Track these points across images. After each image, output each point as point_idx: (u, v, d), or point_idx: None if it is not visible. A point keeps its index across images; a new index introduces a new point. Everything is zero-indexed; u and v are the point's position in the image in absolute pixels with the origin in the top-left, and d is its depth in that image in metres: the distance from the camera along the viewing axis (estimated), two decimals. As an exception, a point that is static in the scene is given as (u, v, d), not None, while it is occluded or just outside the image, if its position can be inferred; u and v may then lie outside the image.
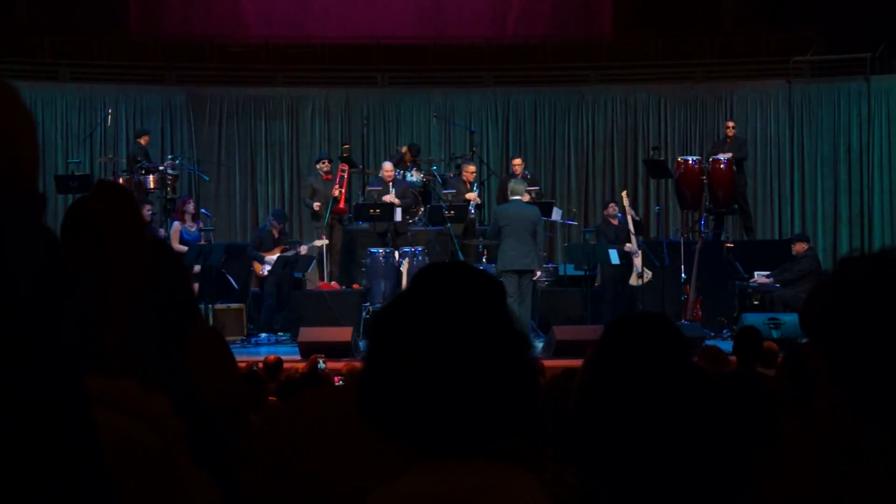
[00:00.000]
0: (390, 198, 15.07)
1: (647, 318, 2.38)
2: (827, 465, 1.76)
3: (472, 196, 15.69)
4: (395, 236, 15.02)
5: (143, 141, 16.13)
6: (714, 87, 18.89)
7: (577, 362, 2.55)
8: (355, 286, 15.35)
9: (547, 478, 1.66)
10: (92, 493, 1.23)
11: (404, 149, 16.94)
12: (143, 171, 15.21)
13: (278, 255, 14.93)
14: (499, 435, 1.65)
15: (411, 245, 14.78)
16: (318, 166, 15.98)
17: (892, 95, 18.03)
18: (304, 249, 15.23)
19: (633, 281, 14.85)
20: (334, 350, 11.91)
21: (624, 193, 15.85)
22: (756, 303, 14.81)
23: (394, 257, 14.39)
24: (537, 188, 16.05)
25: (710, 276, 14.79)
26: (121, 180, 14.72)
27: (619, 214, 15.33)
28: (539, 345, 13.06)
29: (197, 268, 14.27)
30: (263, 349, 13.67)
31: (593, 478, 2.05)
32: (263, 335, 14.72)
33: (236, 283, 15.31)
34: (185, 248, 14.36)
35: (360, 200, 15.74)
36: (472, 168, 16.04)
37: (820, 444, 1.80)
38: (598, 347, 2.24)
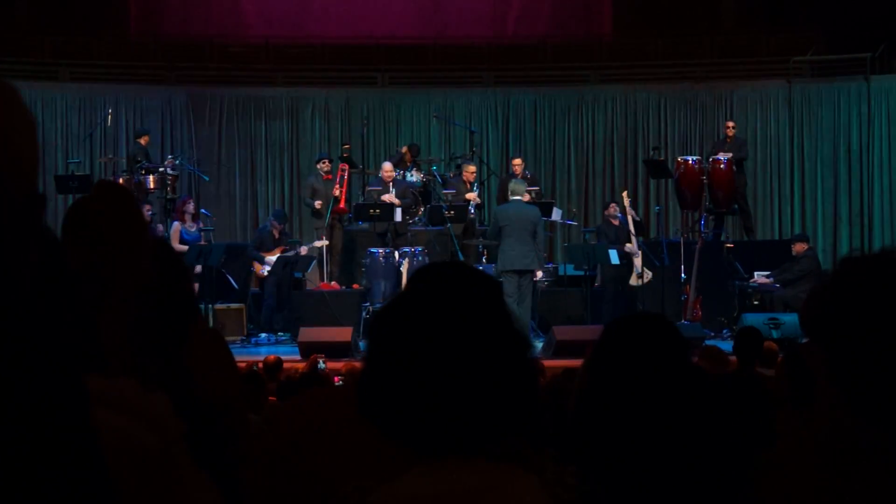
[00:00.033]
0: (389, 197, 15.07)
1: (646, 318, 2.38)
2: (827, 465, 1.76)
3: (472, 196, 15.69)
4: (395, 236, 15.02)
5: (143, 141, 16.13)
6: (714, 87, 18.89)
7: (577, 362, 2.55)
8: (355, 286, 15.35)
9: (547, 478, 1.66)
10: (92, 493, 1.23)
11: (404, 149, 16.94)
12: (143, 172, 15.21)
13: (278, 255, 14.93)
14: (499, 435, 1.65)
15: (411, 245, 14.78)
16: (318, 166, 15.98)
17: (892, 95, 18.03)
18: (304, 250, 15.24)
19: (634, 281, 14.85)
20: (334, 350, 11.91)
21: (624, 193, 15.85)
22: (756, 303, 14.81)
23: (394, 257, 14.39)
24: (537, 188, 16.05)
25: (710, 276, 14.79)
26: (121, 180, 14.72)
27: (619, 215, 15.34)
28: (539, 345, 13.06)
29: (198, 268, 14.28)
30: (263, 349, 13.67)
31: (593, 478, 2.05)
32: (263, 335, 14.72)
33: (236, 283, 15.31)
34: (185, 248, 14.37)
35: (360, 200, 15.74)
36: (472, 168, 16.04)
37: (820, 444, 1.80)
38: (598, 347, 2.24)
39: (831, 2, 18.57)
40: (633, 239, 14.93)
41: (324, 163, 15.90)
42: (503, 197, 15.00)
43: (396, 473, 1.65)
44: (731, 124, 16.74)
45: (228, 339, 14.03)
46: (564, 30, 19.79)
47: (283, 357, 9.87)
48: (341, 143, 17.60)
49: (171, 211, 15.26)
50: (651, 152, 17.14)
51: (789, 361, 4.40)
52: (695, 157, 16.35)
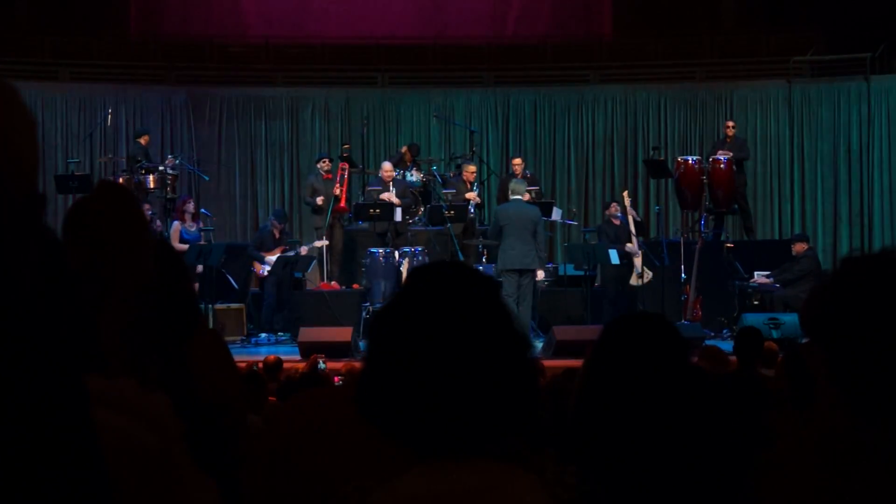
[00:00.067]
0: (389, 195, 15.08)
1: (645, 318, 2.38)
2: (827, 465, 1.76)
3: (472, 196, 15.69)
4: (395, 236, 15.02)
5: (142, 141, 16.13)
6: (714, 87, 18.89)
7: (577, 362, 2.55)
8: (355, 286, 15.35)
9: (547, 478, 1.66)
10: (92, 493, 1.23)
11: (404, 149, 16.94)
12: (143, 171, 15.21)
13: (279, 255, 14.93)
14: (499, 435, 1.65)
15: (411, 245, 14.78)
16: (318, 165, 15.99)
17: (892, 95, 18.03)
18: (304, 250, 15.24)
19: (634, 281, 14.86)
20: (334, 350, 11.90)
21: (625, 193, 15.86)
22: (756, 303, 14.81)
23: (394, 257, 14.39)
24: (537, 188, 16.05)
25: (710, 276, 14.79)
26: (121, 180, 14.71)
27: (619, 214, 15.35)
28: (539, 345, 13.06)
29: (199, 268, 14.29)
30: (263, 349, 13.66)
31: (593, 478, 2.05)
32: (263, 335, 14.72)
33: (236, 283, 15.31)
34: (185, 247, 14.38)
35: (360, 200, 15.74)
36: (472, 168, 16.04)
37: (820, 444, 1.80)
38: (597, 347, 2.24)
39: (831, 2, 18.57)
40: (634, 239, 14.94)
41: (324, 162, 15.91)
42: (503, 197, 15.01)
43: (396, 473, 1.65)
44: (731, 124, 16.73)
45: (228, 339, 14.10)
46: (564, 30, 19.79)
47: (283, 357, 9.86)
48: (341, 143, 17.60)
49: (171, 211, 15.26)
50: (651, 152, 17.13)
51: (789, 361, 4.40)
52: (695, 157, 16.35)
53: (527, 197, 14.11)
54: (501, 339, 1.66)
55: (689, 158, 16.25)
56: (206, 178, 17.03)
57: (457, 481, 1.61)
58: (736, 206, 16.36)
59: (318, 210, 15.58)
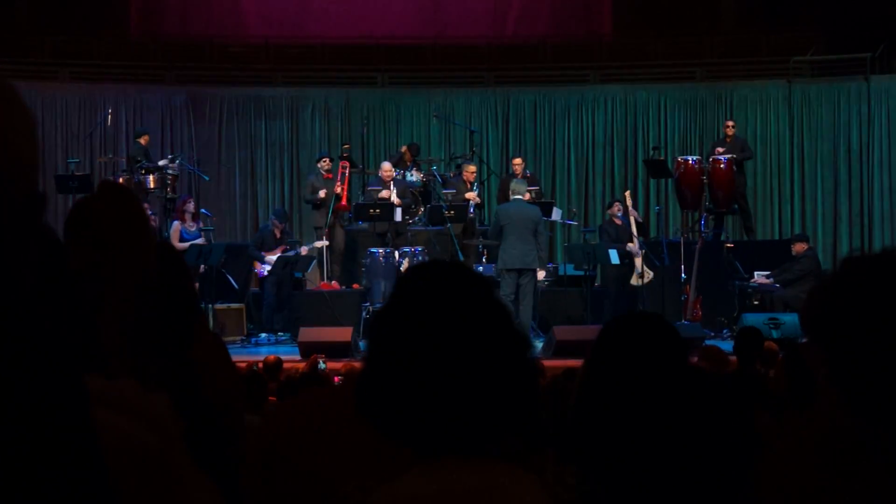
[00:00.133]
0: (388, 193, 15.09)
1: (644, 317, 2.38)
2: (827, 465, 1.76)
3: (472, 196, 15.69)
4: (395, 236, 15.02)
5: (143, 141, 16.14)
6: (714, 87, 18.89)
7: (577, 362, 2.55)
8: (355, 286, 15.35)
9: (547, 478, 1.66)
10: (92, 493, 1.23)
11: (404, 149, 16.95)
12: (143, 171, 15.22)
13: (279, 255, 14.94)
14: (499, 435, 1.65)
15: (411, 245, 14.78)
16: (318, 165, 16.00)
17: (892, 95, 18.03)
18: (304, 250, 15.25)
19: (635, 281, 14.87)
20: (334, 350, 11.91)
21: (627, 193, 15.89)
22: (756, 303, 14.81)
23: (394, 257, 14.39)
24: (537, 188, 16.05)
25: (710, 276, 14.79)
26: (121, 180, 14.72)
27: (619, 214, 15.37)
28: (539, 345, 13.07)
29: (203, 267, 14.29)
30: (263, 349, 13.66)
31: (593, 478, 2.05)
32: (263, 335, 14.72)
33: (236, 283, 15.31)
34: (185, 246, 14.39)
35: (360, 200, 15.74)
36: (472, 168, 16.04)
37: (820, 444, 1.80)
38: (596, 348, 2.24)
39: (831, 2, 18.58)
40: (635, 239, 14.96)
41: (324, 161, 15.91)
42: (503, 196, 15.02)
43: (396, 473, 1.65)
44: (730, 124, 16.74)
45: (228, 339, 14.11)
46: (564, 30, 19.79)
47: (283, 357, 9.86)
48: (341, 143, 17.59)
49: (171, 211, 15.26)
50: (651, 152, 17.14)
51: (789, 361, 4.40)
52: (695, 157, 16.35)
53: (527, 197, 14.13)
54: (501, 338, 1.66)
55: (689, 158, 16.25)
56: (206, 178, 17.03)
57: (457, 481, 1.61)
58: (736, 206, 16.36)
59: (319, 206, 15.57)
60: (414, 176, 16.14)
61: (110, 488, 1.26)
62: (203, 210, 16.07)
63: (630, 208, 15.35)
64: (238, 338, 14.21)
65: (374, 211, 14.84)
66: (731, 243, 15.71)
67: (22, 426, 1.17)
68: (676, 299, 14.79)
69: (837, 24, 18.38)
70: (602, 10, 20.04)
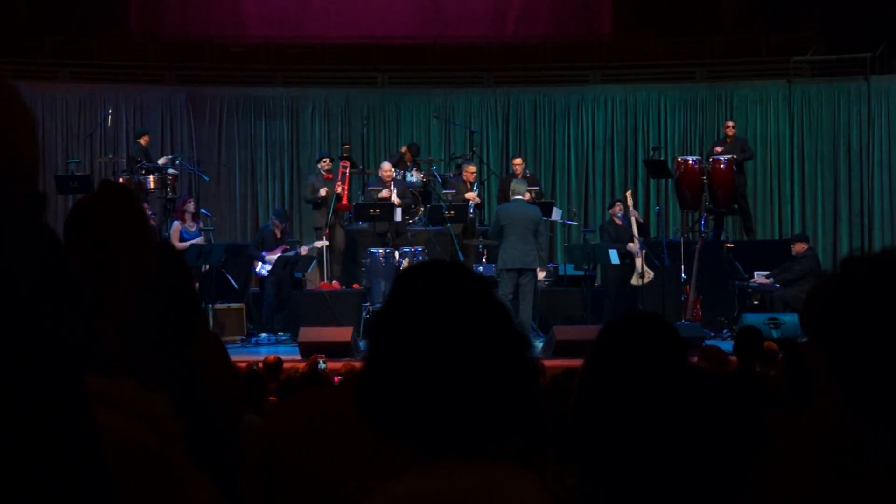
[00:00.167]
0: (388, 193, 15.09)
1: (643, 317, 2.38)
2: (827, 465, 1.76)
3: (472, 196, 15.69)
4: (395, 236, 15.02)
5: (143, 141, 16.14)
6: (714, 87, 18.89)
7: (577, 362, 2.55)
8: (355, 286, 15.35)
9: (547, 478, 1.66)
10: (92, 493, 1.23)
11: (404, 149, 16.95)
12: (143, 172, 15.22)
13: (279, 254, 14.94)
14: (499, 435, 1.65)
15: (411, 245, 14.78)
16: (318, 165, 16.00)
17: (892, 95, 18.03)
18: (304, 250, 15.25)
19: (635, 281, 14.88)
20: (334, 350, 11.91)
21: (628, 193, 15.90)
22: (756, 303, 14.81)
23: (394, 257, 14.39)
24: (537, 188, 16.06)
25: (710, 276, 14.79)
26: (121, 180, 14.72)
27: (620, 214, 15.39)
28: (539, 345, 13.07)
29: (205, 267, 14.29)
30: (263, 349, 13.66)
31: (593, 478, 2.05)
32: (263, 335, 14.72)
33: (236, 283, 15.31)
34: (186, 245, 14.39)
35: (360, 200, 15.74)
36: (472, 168, 16.05)
37: (820, 444, 1.80)
38: (595, 348, 2.24)
39: (831, 2, 18.58)
40: (636, 239, 14.97)
41: (324, 161, 15.92)
42: (504, 197, 15.02)
43: (396, 473, 1.65)
44: (730, 124, 16.74)
45: (228, 339, 14.10)
46: (564, 30, 19.79)
47: (283, 357, 9.87)
48: (341, 143, 17.60)
49: (171, 211, 15.26)
50: (651, 152, 17.14)
51: (789, 361, 4.41)
52: (695, 157, 16.36)
53: (528, 197, 14.14)
54: (501, 338, 1.66)
55: (689, 158, 16.26)
56: (206, 178, 17.03)
57: (457, 481, 1.61)
58: (736, 206, 16.36)
59: (319, 206, 15.57)
60: (414, 176, 16.14)
61: (110, 488, 1.26)
62: (203, 210, 16.07)
63: (631, 209, 15.35)
64: (238, 338, 14.21)
65: (374, 211, 14.85)
66: (731, 243, 15.71)
67: (22, 426, 1.17)
68: (676, 299, 14.79)
69: (837, 24, 18.38)
70: (602, 10, 20.04)
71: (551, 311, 14.79)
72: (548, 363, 9.84)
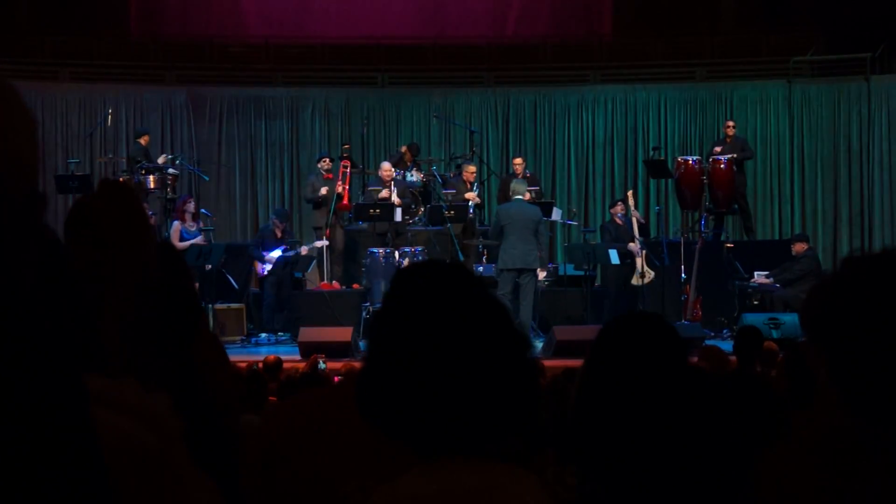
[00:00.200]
0: (388, 193, 15.09)
1: (643, 317, 2.38)
2: (827, 465, 1.76)
3: (472, 196, 15.69)
4: (395, 236, 15.02)
5: (143, 141, 16.14)
6: (714, 87, 18.89)
7: (577, 362, 2.55)
8: (355, 286, 15.36)
9: (547, 478, 1.66)
10: (92, 493, 1.23)
11: (404, 149, 16.95)
12: (144, 172, 15.22)
13: (279, 254, 14.95)
14: (499, 435, 1.65)
15: (411, 245, 14.78)
16: (318, 165, 16.01)
17: (892, 95, 18.03)
18: (304, 250, 15.25)
19: (636, 281, 14.89)
20: (334, 350, 11.91)
21: (630, 193, 15.91)
22: (756, 303, 14.81)
23: (394, 257, 14.39)
24: (537, 188, 16.06)
25: (710, 276, 14.79)
26: (121, 180, 14.70)
27: (620, 214, 15.39)
28: (539, 345, 13.07)
29: (208, 266, 14.28)
30: (263, 349, 13.66)
31: (593, 478, 2.05)
32: (263, 335, 14.72)
33: (236, 283, 15.31)
34: (186, 245, 14.39)
35: (360, 200, 15.74)
36: (472, 168, 16.05)
37: (820, 444, 1.80)
38: (595, 348, 2.24)
39: (831, 2, 18.58)
40: (636, 239, 14.98)
41: (324, 161, 15.93)
42: (504, 197, 15.02)
43: (396, 473, 1.65)
44: (730, 124, 16.74)
45: (228, 339, 14.08)
46: (564, 30, 19.79)
47: (283, 357, 9.86)
48: (341, 143, 17.60)
49: (171, 211, 15.26)
50: (651, 152, 17.14)
51: (789, 361, 4.41)
52: (695, 157, 16.36)
53: (528, 196, 14.14)
54: (501, 338, 1.66)
55: (689, 158, 16.26)
56: (206, 178, 17.03)
57: (457, 481, 1.61)
58: (736, 206, 16.36)
59: (320, 205, 15.56)
60: (414, 176, 16.14)
61: (110, 488, 1.26)
62: (203, 210, 16.07)
63: (633, 209, 15.36)
64: (238, 338, 14.21)
65: (374, 211, 14.85)
66: (731, 243, 15.71)
67: (22, 426, 1.17)
68: (676, 299, 14.79)
69: (837, 24, 18.38)
70: (602, 10, 20.04)
71: (551, 311, 14.79)
72: (548, 363, 9.83)
